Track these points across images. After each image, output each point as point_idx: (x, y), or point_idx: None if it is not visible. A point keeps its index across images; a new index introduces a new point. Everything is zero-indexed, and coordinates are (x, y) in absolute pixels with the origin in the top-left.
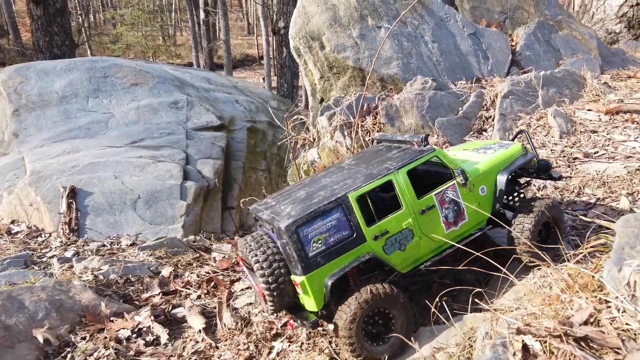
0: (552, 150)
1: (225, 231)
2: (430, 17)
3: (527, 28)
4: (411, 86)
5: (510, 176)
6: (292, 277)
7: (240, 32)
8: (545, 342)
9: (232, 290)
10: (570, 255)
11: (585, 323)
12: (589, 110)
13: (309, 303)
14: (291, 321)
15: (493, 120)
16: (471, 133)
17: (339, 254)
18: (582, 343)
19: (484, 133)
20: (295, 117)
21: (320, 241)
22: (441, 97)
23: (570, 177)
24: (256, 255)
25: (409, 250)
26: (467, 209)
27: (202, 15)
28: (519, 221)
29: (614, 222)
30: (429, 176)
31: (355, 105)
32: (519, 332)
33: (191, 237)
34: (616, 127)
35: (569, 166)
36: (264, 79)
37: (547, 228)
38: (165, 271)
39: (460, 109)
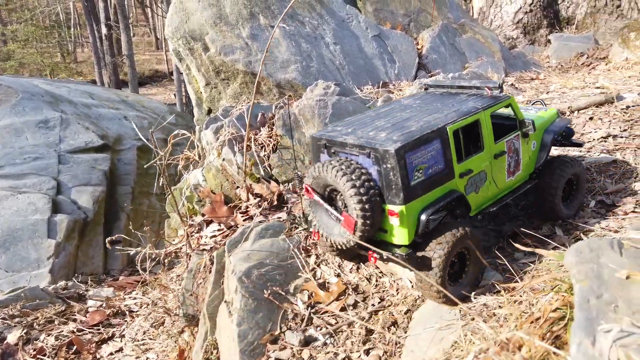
0: None
1: (110, 270)
2: (331, 17)
3: (431, 31)
4: (312, 92)
5: (554, 137)
6: (387, 206)
7: (149, 48)
8: None
9: (99, 357)
10: (503, 293)
11: None
12: None
13: (400, 236)
14: (374, 255)
15: None
16: None
17: (431, 188)
18: None
19: None
20: (176, 132)
21: (421, 171)
22: (346, 104)
23: None
24: (352, 179)
25: (480, 194)
26: (523, 160)
27: (103, 30)
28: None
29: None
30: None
31: (248, 115)
32: None
33: (61, 284)
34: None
35: None
36: (175, 94)
37: (570, 186)
38: (13, 336)
39: None
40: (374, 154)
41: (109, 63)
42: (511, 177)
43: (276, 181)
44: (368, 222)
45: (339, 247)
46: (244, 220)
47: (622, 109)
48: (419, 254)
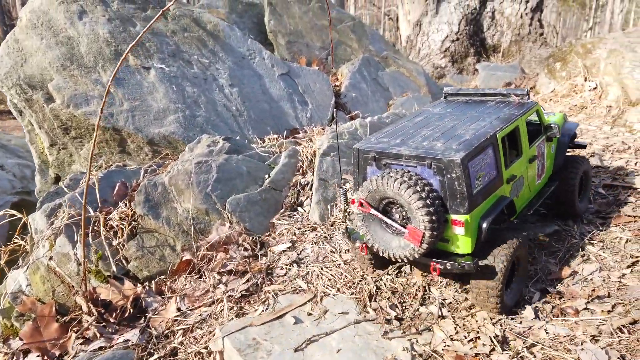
0: None
1: None
2: (228, 54)
3: (351, 65)
4: (192, 151)
5: (568, 140)
6: (452, 216)
7: None
8: None
9: None
10: None
11: None
12: None
13: (463, 245)
14: (438, 265)
15: (311, 188)
16: (282, 211)
17: (488, 195)
18: None
19: (299, 209)
20: (3, 212)
21: (480, 179)
22: (238, 164)
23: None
24: (417, 190)
25: (520, 198)
26: (546, 162)
27: None
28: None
29: None
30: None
31: (101, 186)
32: None
33: None
34: None
35: None
36: None
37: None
38: None
39: (267, 177)
40: (437, 164)
41: None
42: (539, 180)
43: (134, 279)
44: (435, 233)
45: (400, 260)
46: (81, 344)
47: None
48: (481, 262)
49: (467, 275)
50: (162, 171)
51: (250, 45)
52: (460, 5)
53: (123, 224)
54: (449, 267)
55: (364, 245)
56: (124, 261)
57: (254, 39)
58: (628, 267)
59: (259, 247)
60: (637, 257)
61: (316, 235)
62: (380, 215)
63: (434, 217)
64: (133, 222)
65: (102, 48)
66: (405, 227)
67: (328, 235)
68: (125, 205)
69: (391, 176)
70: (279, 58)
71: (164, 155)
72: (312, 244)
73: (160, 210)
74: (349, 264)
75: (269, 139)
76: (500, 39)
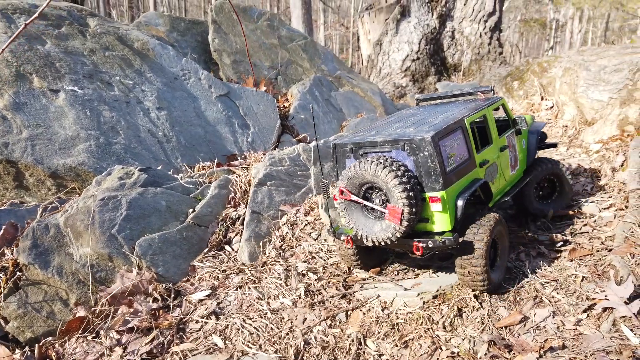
0: (325, 268)
1: None
2: (157, 74)
3: (302, 86)
4: (99, 185)
5: (537, 136)
6: (428, 193)
7: None
8: None
9: None
10: None
11: None
12: None
13: (442, 222)
14: (420, 244)
15: (242, 223)
16: (206, 251)
17: (462, 175)
18: None
19: (226, 247)
20: None
21: (452, 158)
22: (155, 198)
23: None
24: (393, 169)
25: (495, 184)
26: (519, 155)
27: None
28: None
29: None
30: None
31: None
32: None
33: None
34: None
35: (344, 296)
36: None
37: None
38: None
39: (192, 211)
40: (409, 145)
41: None
42: (513, 171)
43: (14, 342)
44: (414, 209)
45: (382, 243)
46: None
47: None
48: (461, 239)
49: (450, 256)
50: (45, 218)
51: (185, 65)
52: (420, 25)
53: (4, 274)
54: (430, 245)
55: (349, 238)
56: (1, 321)
57: (189, 58)
58: (584, 311)
59: (172, 296)
60: (593, 299)
61: (242, 278)
62: (360, 200)
63: (410, 194)
64: (18, 273)
65: (1, 70)
66: (385, 208)
67: (256, 278)
68: (12, 252)
69: (367, 160)
70: (221, 78)
71: (69, 190)
72: (237, 290)
73: (50, 257)
74: (277, 313)
75: (200, 167)
76: (460, 58)
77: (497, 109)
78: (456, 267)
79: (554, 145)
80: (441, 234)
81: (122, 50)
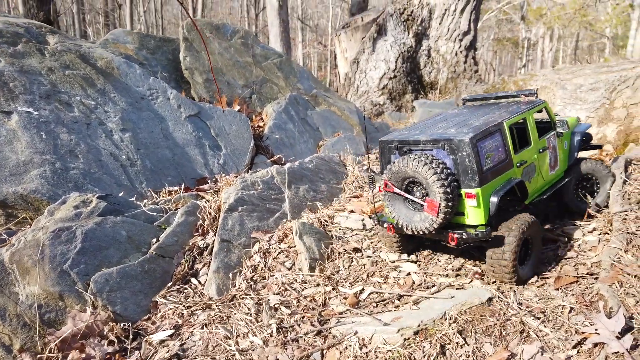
0: (299, 301)
1: None
2: (122, 94)
3: (277, 105)
4: (52, 215)
5: (581, 138)
6: (465, 190)
7: None
8: None
9: None
10: None
11: None
12: (351, 212)
13: (476, 216)
14: (455, 235)
15: (211, 252)
16: (170, 284)
17: (498, 174)
18: None
19: (192, 280)
20: None
21: (489, 158)
22: (115, 228)
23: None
24: (432, 167)
25: (533, 184)
26: (559, 156)
27: None
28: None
29: None
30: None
31: None
32: None
33: None
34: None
35: (319, 333)
36: None
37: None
38: None
39: (155, 241)
40: (449, 145)
41: None
42: (552, 171)
43: None
44: (450, 203)
45: (420, 232)
46: None
47: None
48: (494, 233)
49: (482, 250)
50: (10, 242)
51: (153, 84)
52: (397, 43)
53: None
54: (464, 237)
55: (391, 225)
56: None
57: (158, 77)
58: (574, 346)
59: (131, 337)
60: (583, 332)
61: (209, 315)
62: (402, 193)
63: (447, 189)
64: None
65: None
66: (424, 201)
67: (224, 314)
68: None
69: (410, 157)
70: (193, 98)
71: (20, 220)
72: (202, 328)
73: None
74: (246, 354)
75: (167, 192)
76: (437, 76)
77: (540, 111)
78: (486, 258)
79: (599, 147)
80: (475, 227)
81: (84, 69)
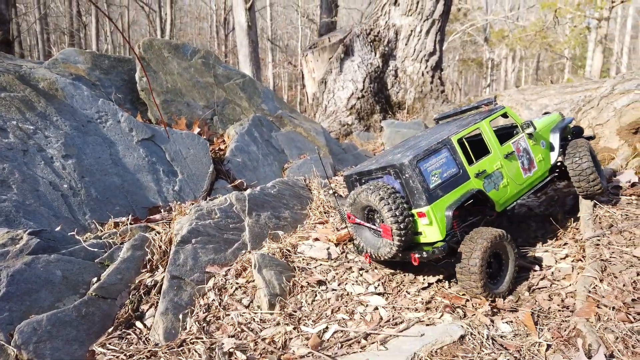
0: (256, 343)
1: None
2: (65, 117)
3: (240, 126)
4: None
5: (560, 133)
6: (416, 210)
7: None
8: None
9: None
10: None
11: None
12: (316, 239)
13: (432, 233)
14: (416, 255)
15: (159, 291)
16: (111, 330)
17: (452, 188)
18: None
19: (137, 324)
20: None
21: (436, 175)
22: (48, 267)
23: None
24: (379, 194)
25: (501, 191)
26: (535, 157)
27: None
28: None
29: None
30: (499, 135)
31: None
32: None
33: None
34: (350, 268)
35: None
36: None
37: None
38: None
39: (96, 280)
40: (393, 170)
41: None
42: (529, 173)
43: None
44: (401, 225)
45: (385, 257)
46: None
47: None
48: (461, 247)
49: (451, 265)
50: None
51: (102, 107)
52: (364, 64)
53: None
54: (425, 255)
55: (366, 254)
56: None
57: (109, 99)
58: None
59: None
60: None
61: None
62: (363, 223)
63: (396, 212)
64: None
65: None
66: (380, 228)
67: None
68: None
69: (363, 188)
70: (150, 120)
71: None
72: None
73: None
74: None
75: (113, 224)
76: (404, 96)
77: (505, 116)
78: (456, 272)
79: (592, 138)
80: (433, 244)
81: (24, 91)
